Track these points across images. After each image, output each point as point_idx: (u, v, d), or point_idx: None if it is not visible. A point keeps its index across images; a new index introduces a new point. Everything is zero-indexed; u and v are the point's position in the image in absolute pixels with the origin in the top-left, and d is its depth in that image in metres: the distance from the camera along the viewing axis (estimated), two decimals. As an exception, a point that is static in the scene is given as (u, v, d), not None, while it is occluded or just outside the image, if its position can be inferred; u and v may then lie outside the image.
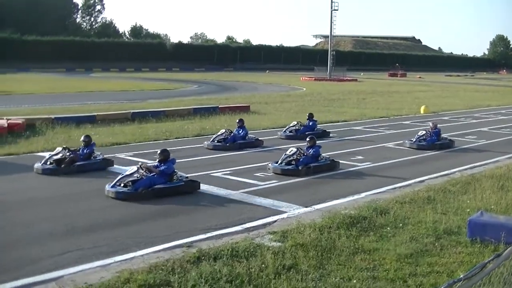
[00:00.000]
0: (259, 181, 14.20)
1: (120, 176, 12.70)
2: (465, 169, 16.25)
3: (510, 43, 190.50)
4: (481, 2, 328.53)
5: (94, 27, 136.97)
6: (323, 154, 16.17)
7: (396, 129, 26.07)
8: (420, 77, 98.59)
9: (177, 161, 13.84)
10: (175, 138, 21.35)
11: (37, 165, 14.93)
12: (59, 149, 15.35)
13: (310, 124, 22.78)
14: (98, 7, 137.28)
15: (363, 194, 13.06)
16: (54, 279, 7.82)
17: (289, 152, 15.54)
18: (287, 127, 22.77)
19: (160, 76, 79.03)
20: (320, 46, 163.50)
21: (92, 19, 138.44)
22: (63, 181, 14.06)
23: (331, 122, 27.79)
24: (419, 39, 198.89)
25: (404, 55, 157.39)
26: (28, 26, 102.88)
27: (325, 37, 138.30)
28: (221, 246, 8.95)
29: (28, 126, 22.09)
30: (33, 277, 7.85)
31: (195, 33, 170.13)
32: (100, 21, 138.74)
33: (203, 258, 8.42)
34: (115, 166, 15.65)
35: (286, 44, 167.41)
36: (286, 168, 15.13)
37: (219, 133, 19.56)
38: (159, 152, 13.41)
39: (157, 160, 13.32)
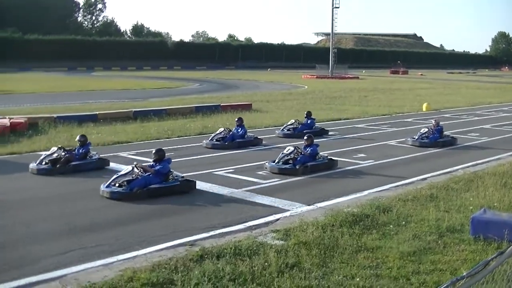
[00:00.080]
0: (261, 180, 14.20)
1: (115, 176, 12.60)
2: (468, 167, 16.23)
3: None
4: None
5: (95, 26, 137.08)
6: (321, 153, 16.09)
7: (398, 126, 26.06)
8: (421, 75, 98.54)
9: (176, 160, 13.82)
10: (177, 137, 21.35)
11: (32, 165, 14.81)
12: (54, 149, 15.26)
13: (308, 122, 22.62)
14: (100, 5, 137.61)
15: (365, 192, 13.05)
16: (57, 278, 7.83)
17: (286, 151, 15.41)
18: (285, 125, 22.69)
19: (161, 74, 79.08)
20: (321, 44, 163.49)
21: (94, 18, 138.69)
22: (59, 181, 13.97)
23: (333, 120, 27.78)
24: (420, 36, 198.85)
25: (405, 53, 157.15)
26: (29, 25, 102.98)
27: (327, 34, 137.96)
28: (224, 245, 8.95)
29: (30, 125, 22.12)
30: (36, 276, 7.86)
31: (197, 32, 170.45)
32: (102, 20, 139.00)
33: (206, 256, 8.42)
34: (112, 165, 15.63)
35: (288, 42, 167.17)
36: (283, 167, 14.98)
37: (217, 132, 19.48)
38: (154, 151, 13.33)
39: (152, 159, 13.22)
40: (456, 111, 34.69)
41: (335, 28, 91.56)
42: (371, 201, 11.81)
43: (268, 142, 20.39)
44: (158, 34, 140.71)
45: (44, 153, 15.52)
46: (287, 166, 15.00)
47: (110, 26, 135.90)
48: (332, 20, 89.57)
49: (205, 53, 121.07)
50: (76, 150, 15.41)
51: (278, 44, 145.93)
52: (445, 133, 20.91)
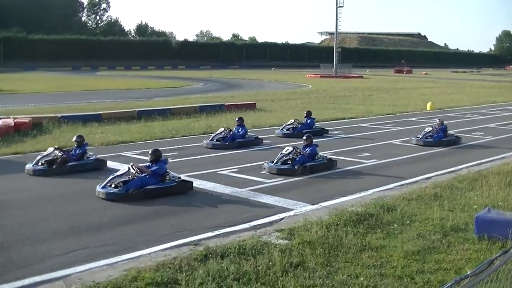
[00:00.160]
0: (265, 179, 14.20)
1: (111, 177, 12.49)
2: (472, 166, 16.22)
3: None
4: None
5: (99, 25, 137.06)
6: (320, 153, 16.01)
7: (403, 126, 26.05)
8: (426, 74, 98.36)
9: (177, 160, 13.77)
10: (182, 136, 21.36)
11: (28, 166, 14.67)
12: (51, 149, 15.11)
13: (308, 122, 22.51)
14: (104, 5, 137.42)
15: (370, 191, 13.05)
16: (61, 277, 7.85)
17: (285, 151, 15.29)
18: (284, 125, 22.56)
19: (165, 74, 79.07)
20: (325, 43, 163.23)
21: (98, 17, 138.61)
22: (55, 182, 13.87)
23: (337, 119, 27.78)
24: (424, 35, 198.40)
25: (410, 52, 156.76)
26: (33, 25, 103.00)
27: (331, 34, 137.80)
28: (228, 244, 8.97)
29: (34, 125, 22.14)
30: (40, 275, 7.88)
31: (201, 31, 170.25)
32: (106, 20, 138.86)
33: (210, 256, 8.44)
34: (111, 165, 15.55)
35: (292, 41, 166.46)
36: (282, 167, 14.85)
37: (218, 132, 19.38)
38: (150, 152, 13.21)
39: (149, 160, 13.10)
40: (460, 110, 34.67)
41: (339, 27, 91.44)
42: (375, 200, 11.82)
43: (269, 142, 20.35)
44: (162, 34, 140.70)
45: (40, 154, 15.41)
46: (285, 166, 14.88)
47: (114, 26, 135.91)
48: (336, 19, 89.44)
49: (209, 53, 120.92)
50: (73, 151, 15.32)
51: (282, 43, 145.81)
52: (449, 132, 20.90)
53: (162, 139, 20.75)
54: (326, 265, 8.18)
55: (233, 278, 7.62)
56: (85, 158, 15.33)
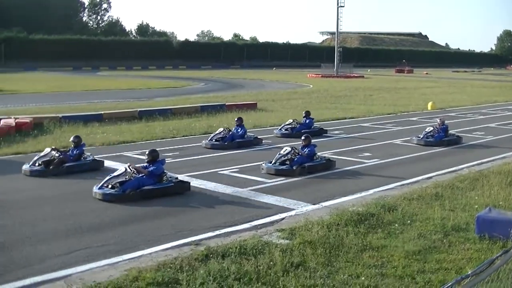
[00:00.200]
0: (266, 179, 14.20)
1: (108, 177, 12.37)
2: (473, 165, 16.22)
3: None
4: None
5: (100, 25, 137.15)
6: (319, 153, 15.95)
7: (404, 125, 26.04)
8: (427, 73, 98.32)
9: (177, 160, 13.75)
10: (182, 136, 21.36)
11: (25, 166, 14.57)
12: (48, 150, 15.01)
13: (307, 122, 22.40)
14: (105, 5, 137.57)
15: (370, 191, 13.05)
16: (62, 277, 7.86)
17: (283, 152, 15.17)
18: (283, 125, 22.44)
19: (166, 74, 79.10)
20: (326, 43, 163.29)
21: (99, 17, 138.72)
22: (52, 183, 13.79)
23: (338, 119, 27.78)
24: (425, 35, 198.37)
25: (411, 51, 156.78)
26: (34, 25, 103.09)
27: (332, 33, 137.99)
28: (229, 244, 8.97)
29: (35, 125, 22.16)
30: (41, 275, 7.89)
31: (202, 31, 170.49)
32: (107, 20, 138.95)
33: (211, 256, 8.44)
34: (111, 165, 15.49)
35: (293, 41, 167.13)
36: (280, 168, 14.75)
37: (217, 132, 19.30)
38: (147, 152, 13.14)
39: (146, 160, 13.03)
40: (461, 109, 34.65)
41: (340, 27, 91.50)
42: (376, 200, 11.81)
43: (269, 141, 20.34)
44: (163, 34, 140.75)
45: (37, 154, 15.33)
46: (283, 167, 14.79)
47: (115, 26, 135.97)
48: (337, 19, 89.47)
49: (210, 53, 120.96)
50: (70, 151, 15.23)
51: (283, 43, 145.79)
52: (450, 132, 20.89)
53: (163, 139, 20.76)
54: (327, 265, 8.18)
55: (234, 278, 7.62)
56: (82, 158, 15.23)
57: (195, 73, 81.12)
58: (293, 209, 11.52)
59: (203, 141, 19.17)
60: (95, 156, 15.75)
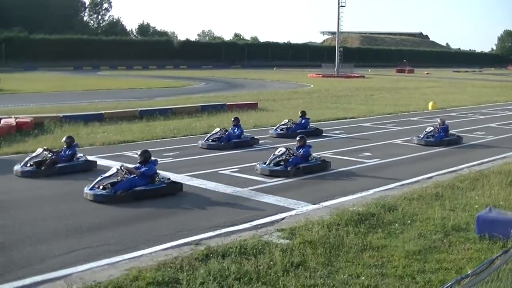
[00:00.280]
0: (266, 179, 14.19)
1: (99, 178, 12.23)
2: (473, 165, 16.22)
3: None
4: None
5: (101, 25, 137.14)
6: (314, 154, 15.76)
7: (404, 125, 26.04)
8: (427, 73, 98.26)
9: (177, 159, 13.70)
10: (183, 136, 21.35)
11: (17, 167, 14.38)
12: (40, 150, 14.81)
13: (303, 122, 22.22)
14: (105, 5, 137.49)
15: (371, 191, 13.05)
16: (62, 277, 7.86)
17: (278, 152, 15.02)
18: (278, 125, 22.25)
19: (167, 73, 79.07)
20: (327, 42, 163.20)
21: (100, 17, 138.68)
22: (43, 184, 13.62)
23: (339, 119, 27.78)
24: (426, 35, 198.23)
25: (411, 51, 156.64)
26: (35, 25, 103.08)
27: (333, 33, 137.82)
28: (229, 244, 8.97)
29: (36, 125, 22.17)
30: (41, 275, 7.89)
31: (202, 31, 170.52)
32: (107, 19, 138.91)
33: (211, 255, 8.44)
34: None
35: (294, 41, 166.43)
36: (274, 169, 14.60)
37: (213, 132, 19.16)
38: (139, 153, 13.03)
39: (138, 161, 12.92)
40: (462, 109, 34.65)
41: (341, 27, 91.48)
42: (377, 200, 11.82)
43: (270, 141, 20.31)
44: (164, 33, 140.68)
45: (29, 155, 15.18)
46: (278, 167, 14.66)
47: (116, 26, 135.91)
48: (338, 19, 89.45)
49: (211, 52, 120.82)
50: (62, 152, 15.06)
51: (284, 43, 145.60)
52: (451, 131, 20.89)
53: (164, 138, 20.76)
54: (327, 264, 8.18)
55: (234, 277, 7.62)
56: (75, 159, 15.09)
57: (196, 73, 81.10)
58: (293, 209, 11.52)
59: (200, 141, 19.08)
60: (89, 157, 15.61)
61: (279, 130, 21.73)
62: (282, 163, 14.75)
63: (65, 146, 15.21)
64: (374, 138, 21.72)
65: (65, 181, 13.93)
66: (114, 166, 12.90)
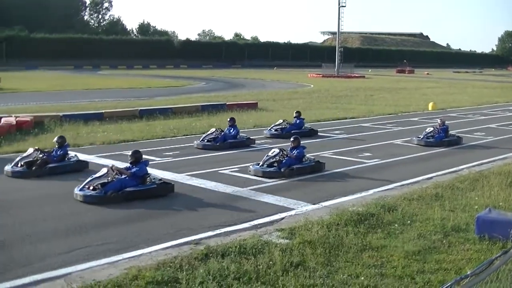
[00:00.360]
0: (266, 178, 14.19)
1: (89, 179, 12.08)
2: (473, 166, 16.22)
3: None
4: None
5: (101, 24, 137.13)
6: (308, 155, 15.57)
7: (404, 125, 26.04)
8: (428, 74, 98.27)
9: (177, 159, 13.65)
10: (183, 135, 21.35)
11: (7, 167, 14.23)
12: (31, 150, 14.65)
13: (297, 122, 21.98)
14: (106, 4, 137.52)
15: (370, 191, 13.05)
16: (62, 276, 7.87)
17: (272, 153, 14.83)
18: (273, 125, 22.05)
19: (167, 73, 79.06)
20: (327, 42, 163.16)
21: (100, 16, 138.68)
22: (34, 184, 13.48)
23: (339, 119, 27.77)
24: (427, 35, 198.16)
25: (412, 52, 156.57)
26: (36, 24, 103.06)
27: (333, 33, 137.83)
28: (229, 243, 8.98)
29: (36, 124, 22.20)
30: (41, 274, 7.90)
31: (203, 30, 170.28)
32: (108, 19, 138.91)
33: (211, 255, 8.45)
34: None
35: (294, 41, 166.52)
36: (268, 170, 14.42)
37: (209, 132, 18.99)
38: (130, 153, 12.91)
39: (129, 161, 12.79)
40: (462, 110, 34.64)
41: (341, 27, 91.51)
42: (376, 200, 11.82)
43: (270, 141, 20.26)
44: (164, 33, 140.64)
45: (20, 155, 15.03)
46: (271, 169, 14.47)
47: (116, 25, 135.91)
48: (339, 19, 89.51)
49: (211, 52, 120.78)
50: (53, 152, 14.89)
51: (284, 43, 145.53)
52: (451, 132, 20.88)
53: (164, 138, 20.76)
54: (327, 264, 8.18)
55: (234, 277, 7.62)
56: (66, 159, 14.95)
57: (196, 73, 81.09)
58: (293, 209, 11.52)
59: (195, 142, 18.92)
60: (89, 156, 15.60)
61: (273, 131, 21.54)
62: (275, 164, 14.59)
63: (56, 146, 15.06)
64: (374, 138, 21.72)
65: (55, 181, 13.79)
66: (105, 166, 12.74)
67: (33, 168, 14.16)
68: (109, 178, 12.10)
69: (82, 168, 14.93)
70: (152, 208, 11.55)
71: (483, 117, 30.61)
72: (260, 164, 14.71)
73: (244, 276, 7.64)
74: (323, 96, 42.84)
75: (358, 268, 8.03)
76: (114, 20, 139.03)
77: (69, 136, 19.87)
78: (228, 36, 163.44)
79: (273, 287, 7.43)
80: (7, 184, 13.63)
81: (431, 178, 14.60)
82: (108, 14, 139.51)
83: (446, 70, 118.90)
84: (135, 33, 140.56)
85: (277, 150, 14.98)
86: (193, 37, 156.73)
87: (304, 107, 32.74)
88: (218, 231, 9.93)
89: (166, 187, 12.70)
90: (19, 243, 9.31)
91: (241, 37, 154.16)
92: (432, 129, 20.38)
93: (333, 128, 24.22)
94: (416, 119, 28.91)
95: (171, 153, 17.52)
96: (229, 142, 18.78)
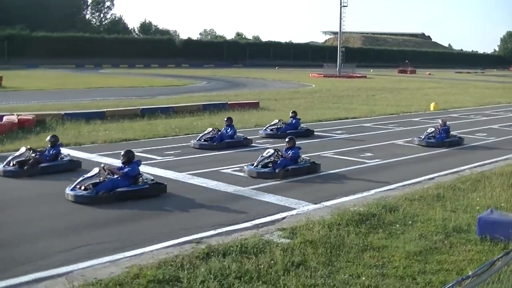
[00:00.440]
0: (267, 178, 14.17)
1: (81, 179, 11.94)
2: (475, 167, 16.18)
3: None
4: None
5: (103, 23, 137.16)
6: (303, 156, 15.40)
7: (406, 126, 26.02)
8: (429, 74, 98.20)
9: (179, 158, 13.61)
10: (184, 134, 21.34)
11: None
12: (23, 149, 14.49)
13: (293, 122, 21.80)
14: (108, 3, 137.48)
15: (372, 191, 13.03)
16: (63, 274, 7.87)
17: (266, 154, 14.68)
18: (268, 125, 21.89)
19: (169, 72, 79.03)
20: (329, 42, 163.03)
21: (102, 15, 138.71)
22: (26, 184, 13.40)
23: (340, 119, 27.76)
24: (428, 36, 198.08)
25: (413, 52, 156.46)
26: (37, 23, 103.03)
27: (335, 33, 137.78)
28: (230, 242, 8.98)
29: (38, 122, 22.23)
30: (42, 272, 7.90)
31: (205, 29, 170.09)
32: (110, 18, 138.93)
33: (212, 254, 8.44)
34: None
35: (296, 40, 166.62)
36: (262, 171, 14.26)
37: (206, 132, 18.88)
38: (123, 153, 12.77)
39: (121, 161, 12.66)
40: (464, 111, 34.59)
41: (343, 27, 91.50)
42: (378, 200, 11.80)
43: (271, 141, 20.17)
44: (166, 32, 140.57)
45: (12, 154, 14.89)
46: (266, 169, 14.30)
47: (118, 24, 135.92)
48: (340, 18, 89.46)
49: (213, 51, 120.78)
50: (46, 151, 14.73)
51: (286, 42, 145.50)
52: (452, 133, 20.85)
53: (165, 137, 20.77)
54: (328, 264, 8.18)
55: (235, 276, 7.62)
56: (59, 159, 14.81)
57: (198, 72, 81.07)
58: (294, 209, 11.52)
59: (192, 141, 18.84)
60: (90, 155, 15.54)
61: (268, 130, 21.37)
62: (270, 165, 14.44)
63: (49, 146, 14.90)
64: (376, 138, 21.71)
65: (47, 181, 13.70)
66: (97, 166, 12.63)
67: (25, 167, 14.02)
68: (101, 178, 11.98)
69: (74, 167, 14.77)
70: (152, 208, 11.55)
71: (485, 118, 30.58)
72: (254, 165, 14.56)
73: (245, 276, 7.64)
74: (324, 96, 42.82)
75: (359, 268, 8.03)
76: (116, 19, 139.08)
77: (70, 134, 19.99)
78: (229, 35, 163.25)
79: (274, 287, 7.43)
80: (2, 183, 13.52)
81: (432, 178, 14.58)
82: (109, 13, 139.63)
83: (448, 71, 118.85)
84: (137, 32, 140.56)
85: (271, 151, 14.84)
86: (195, 36, 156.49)
87: (305, 107, 32.77)
88: (219, 230, 9.92)
89: (158, 188, 12.58)
90: (18, 241, 9.32)
91: (243, 36, 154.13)
92: (433, 129, 20.35)
93: (334, 128, 24.20)
94: (417, 119, 28.89)
95: (172, 152, 17.52)
96: (226, 142, 18.66)
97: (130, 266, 8.03)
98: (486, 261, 6.59)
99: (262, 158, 14.61)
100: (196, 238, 9.40)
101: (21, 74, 63.29)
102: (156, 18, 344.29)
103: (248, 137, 19.67)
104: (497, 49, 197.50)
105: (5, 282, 7.57)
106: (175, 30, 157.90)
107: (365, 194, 12.80)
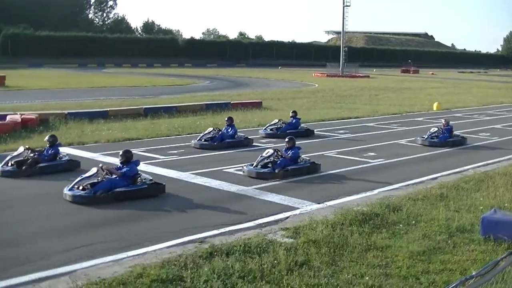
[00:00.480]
0: (267, 179, 14.12)
1: (79, 179, 11.88)
2: (478, 167, 16.16)
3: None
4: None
5: (106, 23, 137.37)
6: (303, 156, 15.31)
7: (409, 125, 26.00)
8: (432, 74, 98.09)
9: (182, 157, 13.60)
10: (187, 134, 21.34)
11: None
12: (21, 149, 14.39)
13: (293, 121, 21.69)
14: (110, 2, 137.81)
15: (375, 191, 13.03)
16: (66, 273, 7.88)
17: (266, 154, 14.56)
18: (268, 124, 21.81)
19: (172, 71, 79.02)
20: (332, 42, 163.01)
21: (105, 14, 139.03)
22: (24, 184, 13.33)
23: (343, 119, 27.75)
24: (431, 35, 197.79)
25: (416, 52, 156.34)
26: (40, 22, 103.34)
27: (338, 33, 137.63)
28: (233, 242, 8.98)
29: (41, 121, 22.25)
30: (45, 271, 7.92)
31: (207, 29, 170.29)
32: (113, 17, 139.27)
33: (215, 253, 8.45)
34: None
35: (298, 40, 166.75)
36: (261, 171, 14.14)
37: (206, 132, 18.81)
38: (121, 153, 12.69)
39: (120, 161, 12.60)
40: (467, 110, 34.55)
41: (346, 26, 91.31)
42: (381, 200, 11.80)
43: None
44: (169, 32, 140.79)
45: (10, 154, 14.80)
46: (265, 170, 14.19)
47: (121, 23, 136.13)
48: (343, 18, 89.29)
49: (216, 51, 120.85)
50: (45, 151, 14.64)
51: (288, 42, 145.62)
52: (456, 132, 20.82)
53: (168, 136, 20.78)
54: (331, 264, 8.18)
55: (238, 276, 7.63)
56: (58, 158, 14.69)
57: (201, 71, 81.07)
58: (298, 208, 11.51)
59: (192, 141, 18.80)
60: (92, 154, 15.53)
61: (268, 130, 21.28)
62: (270, 165, 14.34)
63: (47, 145, 14.83)
64: (379, 138, 21.69)
65: (46, 181, 13.64)
66: (95, 166, 12.54)
67: (23, 167, 13.94)
68: (99, 178, 11.93)
69: (73, 167, 14.67)
70: (154, 208, 11.55)
71: (488, 118, 30.53)
72: (254, 165, 14.47)
73: (249, 275, 7.64)
74: (327, 95, 42.80)
75: (363, 268, 8.02)
76: (119, 18, 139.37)
77: (74, 134, 20.02)
78: (232, 35, 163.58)
79: (278, 286, 7.43)
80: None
81: (436, 178, 14.57)
82: (112, 13, 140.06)
83: (451, 70, 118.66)
84: (140, 31, 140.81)
85: (271, 151, 14.74)
86: (198, 36, 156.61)
87: (308, 106, 32.77)
88: (222, 230, 9.92)
89: (157, 188, 12.53)
90: (17, 241, 9.32)
91: (246, 36, 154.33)
92: (436, 129, 20.32)
93: (337, 127, 24.19)
94: (420, 119, 28.87)
95: (175, 152, 17.53)
96: (226, 141, 18.61)
97: (133, 266, 8.04)
98: (490, 261, 6.57)
99: (262, 158, 14.52)
100: (199, 238, 9.41)
101: (24, 73, 63.36)
102: (159, 17, 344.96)
103: (249, 137, 19.62)
104: (500, 49, 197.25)
105: (5, 282, 7.57)
106: (178, 30, 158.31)
107: (368, 194, 12.79)
